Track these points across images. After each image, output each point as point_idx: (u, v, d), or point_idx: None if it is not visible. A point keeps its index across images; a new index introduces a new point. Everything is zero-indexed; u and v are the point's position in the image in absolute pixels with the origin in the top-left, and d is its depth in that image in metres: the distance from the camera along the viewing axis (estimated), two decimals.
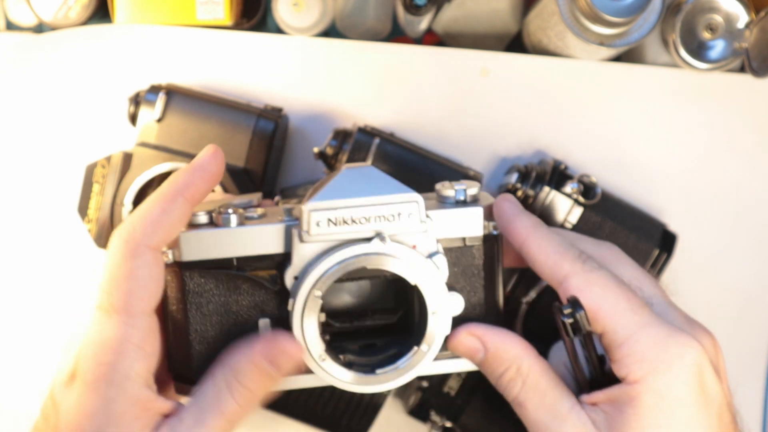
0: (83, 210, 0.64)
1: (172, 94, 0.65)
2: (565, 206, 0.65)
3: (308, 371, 0.51)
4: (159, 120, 0.65)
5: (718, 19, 0.66)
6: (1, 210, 0.71)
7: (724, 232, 0.72)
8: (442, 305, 0.50)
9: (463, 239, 0.52)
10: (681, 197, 0.72)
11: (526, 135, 0.71)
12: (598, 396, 0.50)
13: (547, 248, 0.52)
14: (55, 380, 0.49)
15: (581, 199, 0.65)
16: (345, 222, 0.49)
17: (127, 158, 0.64)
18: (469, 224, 0.51)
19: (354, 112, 0.70)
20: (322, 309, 0.50)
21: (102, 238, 0.64)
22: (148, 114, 0.65)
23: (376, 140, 0.64)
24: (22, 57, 0.70)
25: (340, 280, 0.50)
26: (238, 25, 0.72)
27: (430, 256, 0.50)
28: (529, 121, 0.71)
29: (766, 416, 0.74)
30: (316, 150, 0.65)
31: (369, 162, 0.62)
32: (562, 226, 0.64)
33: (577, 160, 0.71)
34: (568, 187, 0.65)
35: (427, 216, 0.50)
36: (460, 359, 0.53)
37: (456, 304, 0.51)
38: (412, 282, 0.49)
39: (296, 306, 0.49)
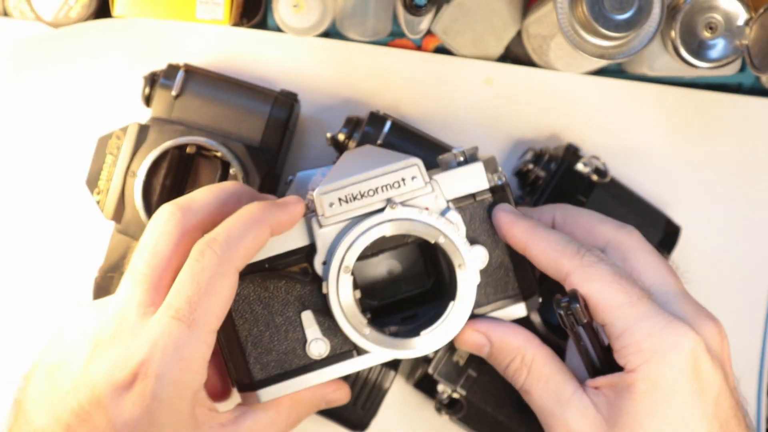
0: (93, 182, 0.64)
1: (191, 73, 0.65)
2: (577, 183, 0.67)
3: (358, 352, 0.53)
4: (176, 97, 0.65)
5: (717, 17, 0.66)
6: (8, 201, 0.72)
7: (696, 262, 0.73)
8: (467, 257, 0.52)
9: (473, 195, 0.54)
10: (683, 194, 0.73)
11: (527, 142, 0.73)
12: (601, 381, 0.52)
13: (546, 248, 0.53)
14: (91, 381, 0.47)
15: (593, 177, 0.67)
16: (355, 198, 0.52)
17: (144, 130, 0.64)
18: (474, 179, 0.54)
19: (361, 110, 0.71)
20: (357, 286, 0.53)
21: (111, 210, 0.64)
22: (165, 92, 0.65)
23: (388, 123, 0.64)
24: (31, 47, 0.71)
25: (366, 255, 0.52)
26: (237, 26, 0.72)
27: (443, 213, 0.53)
28: (530, 130, 0.73)
29: (760, 413, 0.74)
30: (329, 135, 0.66)
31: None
32: (576, 203, 0.66)
33: None
34: (581, 165, 0.67)
35: (432, 179, 0.52)
36: (495, 313, 0.55)
37: (480, 255, 0.54)
38: (432, 240, 0.52)
39: (330, 288, 0.52)
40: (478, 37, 0.73)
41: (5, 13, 0.73)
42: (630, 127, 0.73)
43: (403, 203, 0.52)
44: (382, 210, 0.52)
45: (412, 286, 0.56)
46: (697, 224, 0.73)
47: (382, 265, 0.56)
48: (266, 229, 0.50)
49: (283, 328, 0.53)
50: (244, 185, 0.54)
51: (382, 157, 0.53)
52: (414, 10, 0.64)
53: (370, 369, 0.64)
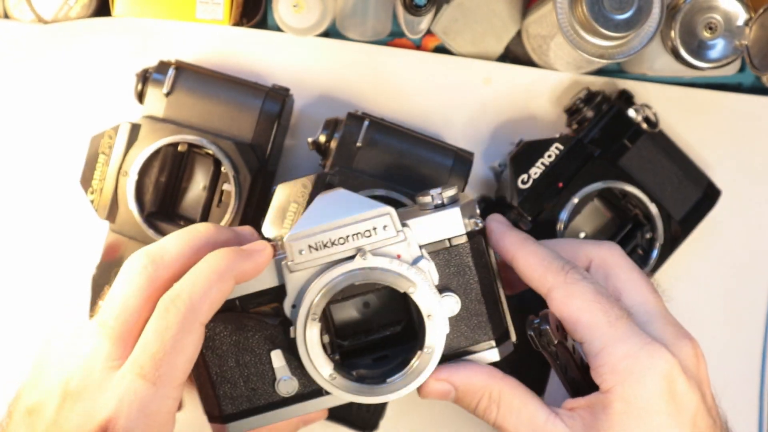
0: (87, 181, 0.64)
1: (182, 70, 0.65)
2: (626, 128, 0.67)
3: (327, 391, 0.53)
4: (167, 94, 0.65)
5: (717, 17, 0.67)
6: (5, 198, 0.72)
7: (694, 261, 0.73)
8: (435, 309, 0.52)
9: (448, 240, 0.53)
10: None
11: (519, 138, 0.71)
12: (578, 402, 0.53)
13: (533, 262, 0.54)
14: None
15: (643, 125, 0.67)
16: (325, 245, 0.51)
17: (135, 129, 0.64)
18: (450, 225, 0.53)
19: (359, 109, 0.70)
20: (327, 331, 0.53)
21: (105, 209, 0.64)
22: (156, 90, 0.65)
23: (366, 122, 0.64)
24: (26, 46, 0.71)
25: (336, 300, 0.52)
26: (237, 26, 0.72)
27: (414, 262, 0.52)
28: (529, 130, 0.72)
29: (762, 414, 0.74)
30: (309, 140, 0.65)
31: (360, 144, 0.63)
32: (621, 147, 0.67)
33: None
34: (632, 111, 0.67)
35: (405, 225, 0.52)
36: (473, 354, 0.54)
37: (452, 303, 0.53)
38: (401, 290, 0.51)
39: (297, 333, 0.52)
40: (478, 37, 0.73)
41: (5, 13, 0.73)
42: None
43: (373, 252, 0.51)
44: (352, 258, 0.51)
45: (383, 328, 0.55)
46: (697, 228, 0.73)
47: (354, 307, 0.55)
48: (230, 281, 0.50)
49: (253, 366, 0.54)
50: (218, 227, 0.54)
51: (353, 203, 0.52)
52: (414, 10, 0.64)
53: None
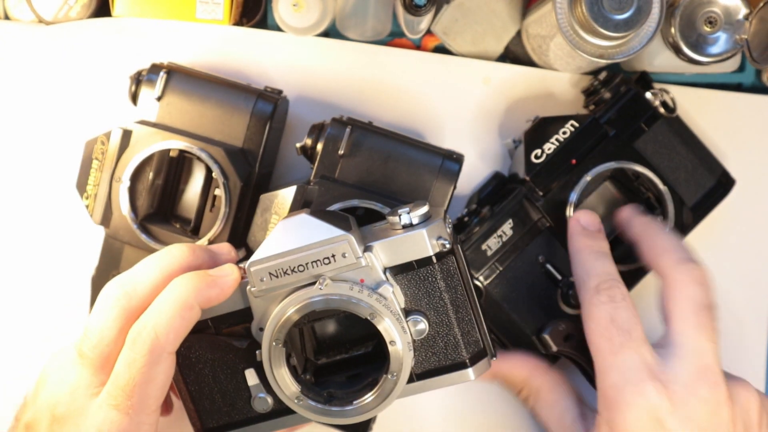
0: (82, 186, 0.64)
1: (173, 73, 0.65)
2: (643, 111, 0.66)
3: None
4: (159, 98, 0.64)
5: (716, 12, 0.67)
6: (6, 196, 0.72)
7: (726, 227, 0.73)
8: (398, 335, 0.51)
9: (415, 262, 0.53)
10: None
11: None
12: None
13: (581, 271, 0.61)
14: None
15: (661, 109, 0.67)
16: (286, 272, 0.51)
17: (127, 135, 0.64)
18: (417, 247, 0.52)
19: (359, 110, 0.72)
20: (301, 350, 0.54)
21: (99, 215, 0.64)
22: (149, 93, 0.65)
23: (348, 128, 0.63)
24: (26, 46, 0.71)
25: (303, 322, 0.52)
26: (237, 26, 0.72)
27: (377, 287, 0.52)
28: (523, 128, 0.72)
29: None
30: (297, 145, 0.64)
31: (342, 152, 0.63)
32: (637, 129, 0.66)
33: None
34: (650, 94, 0.67)
35: (369, 248, 0.52)
36: (441, 378, 0.54)
37: (419, 326, 0.53)
38: (363, 316, 0.51)
39: (264, 357, 0.52)
40: (478, 37, 0.73)
41: (5, 14, 0.73)
42: None
43: (334, 278, 0.52)
44: (313, 284, 0.52)
45: (356, 347, 0.56)
46: (699, 228, 0.72)
47: (326, 327, 0.56)
48: (195, 309, 0.51)
49: (229, 383, 0.55)
50: (192, 249, 0.55)
51: (313, 230, 0.52)
52: (413, 10, 0.64)
53: None
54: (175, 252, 0.54)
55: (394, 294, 0.52)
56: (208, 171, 0.65)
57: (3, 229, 0.72)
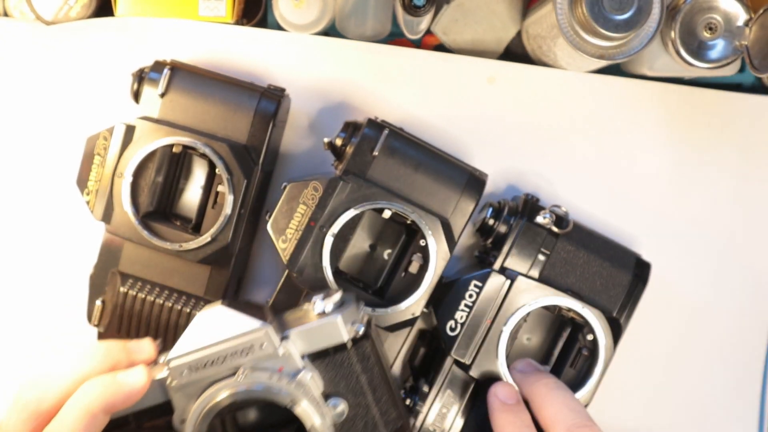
0: (83, 182, 0.64)
1: (176, 70, 0.65)
2: (539, 237, 0.65)
3: None
4: (162, 95, 0.64)
5: (717, 18, 0.66)
6: (6, 194, 0.72)
7: (698, 259, 0.74)
8: (317, 421, 0.53)
9: (332, 348, 0.55)
10: (653, 225, 0.73)
11: (528, 142, 0.72)
12: None
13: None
14: None
15: (554, 228, 0.65)
16: (205, 366, 0.53)
17: (130, 130, 0.63)
18: (332, 333, 0.54)
19: (361, 109, 0.71)
20: None
21: (101, 211, 0.64)
22: (152, 90, 0.64)
23: (386, 131, 0.63)
24: (27, 46, 0.71)
25: (223, 413, 0.53)
26: (238, 25, 0.72)
27: (295, 375, 0.53)
28: (532, 129, 0.72)
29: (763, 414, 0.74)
30: (326, 140, 0.64)
31: (377, 153, 0.63)
32: (537, 255, 0.65)
33: (564, 164, 0.73)
34: (541, 218, 0.65)
35: (286, 337, 0.53)
36: None
37: (338, 409, 0.55)
38: (282, 405, 0.52)
39: None
40: (478, 38, 0.73)
41: (5, 13, 0.73)
42: (631, 124, 0.73)
43: (254, 368, 0.53)
44: (233, 375, 0.53)
45: (285, 427, 0.56)
46: (699, 222, 0.73)
47: (247, 415, 0.57)
48: (100, 416, 0.52)
49: None
50: (108, 349, 0.55)
51: (231, 323, 0.53)
52: (413, 10, 0.64)
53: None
54: (90, 353, 0.55)
55: (313, 379, 0.54)
56: (211, 168, 0.65)
57: (2, 228, 0.72)
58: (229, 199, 0.64)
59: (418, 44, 0.75)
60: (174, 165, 0.65)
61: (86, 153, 0.64)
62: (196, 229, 0.66)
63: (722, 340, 0.73)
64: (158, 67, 0.65)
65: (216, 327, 0.54)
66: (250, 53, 0.71)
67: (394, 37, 0.74)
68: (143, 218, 0.64)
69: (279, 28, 0.71)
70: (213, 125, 0.64)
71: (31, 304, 0.72)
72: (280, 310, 0.59)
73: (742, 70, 0.73)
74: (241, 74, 0.70)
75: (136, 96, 0.65)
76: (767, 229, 0.74)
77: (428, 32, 0.73)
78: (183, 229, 0.65)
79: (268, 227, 0.62)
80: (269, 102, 0.65)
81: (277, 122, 0.65)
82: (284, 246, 0.62)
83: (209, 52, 0.70)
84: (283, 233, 0.62)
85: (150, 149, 0.63)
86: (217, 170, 0.64)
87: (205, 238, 0.64)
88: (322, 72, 0.71)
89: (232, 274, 0.66)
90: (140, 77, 0.65)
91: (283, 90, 0.67)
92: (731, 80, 0.74)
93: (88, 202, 0.64)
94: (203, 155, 0.64)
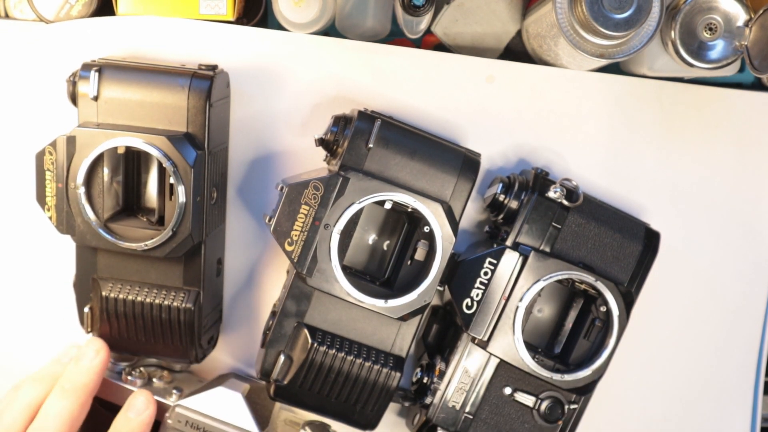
0: (41, 199, 0.64)
1: (104, 69, 0.64)
2: (551, 211, 0.65)
3: None
4: (95, 98, 0.64)
5: (717, 18, 0.66)
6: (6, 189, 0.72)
7: (706, 229, 0.74)
8: None
9: None
10: (663, 197, 0.73)
11: (529, 142, 0.72)
12: None
13: None
14: None
15: (565, 202, 0.65)
16: (199, 429, 0.61)
17: (71, 141, 0.63)
18: None
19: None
20: None
21: (63, 224, 0.64)
22: (85, 94, 0.64)
23: (378, 122, 0.63)
24: (27, 46, 0.71)
25: None
26: (238, 23, 0.72)
27: None
28: (532, 128, 0.72)
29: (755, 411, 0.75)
30: (316, 137, 0.64)
31: (371, 145, 0.63)
32: (549, 229, 0.65)
33: (565, 163, 0.73)
34: (552, 192, 0.65)
35: None
36: None
37: None
38: None
39: None
40: (478, 38, 0.73)
41: (5, 13, 0.73)
42: (631, 123, 0.72)
43: None
44: None
45: None
46: (698, 221, 0.74)
47: None
48: (76, 395, 0.57)
49: None
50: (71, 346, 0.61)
51: (239, 414, 0.61)
52: (412, 10, 0.63)
53: (375, 371, 0.65)
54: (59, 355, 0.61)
55: None
56: (160, 163, 0.64)
57: (2, 228, 0.73)
58: (180, 190, 0.63)
59: (418, 44, 0.74)
60: (130, 162, 0.65)
61: (38, 169, 0.64)
62: (161, 221, 0.65)
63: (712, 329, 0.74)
64: (86, 68, 0.64)
65: (227, 408, 0.61)
66: (250, 53, 0.70)
67: (394, 37, 0.74)
68: (107, 222, 0.64)
69: (279, 27, 0.71)
70: (151, 119, 0.63)
71: (22, 319, 0.73)
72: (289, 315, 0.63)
73: (742, 70, 0.73)
74: (241, 73, 0.70)
75: (74, 99, 0.65)
76: (766, 228, 0.74)
77: (428, 32, 0.73)
78: (148, 225, 0.65)
79: (271, 232, 0.62)
80: (201, 81, 0.63)
81: (213, 101, 0.64)
82: (291, 249, 0.62)
83: (210, 51, 0.70)
84: (288, 236, 0.62)
85: (93, 156, 0.62)
86: (163, 163, 0.63)
87: (167, 233, 0.63)
88: (321, 71, 0.71)
89: (206, 259, 0.66)
90: (74, 81, 0.64)
91: (214, 66, 0.66)
92: (731, 80, 0.74)
93: (50, 218, 0.64)
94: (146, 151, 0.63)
